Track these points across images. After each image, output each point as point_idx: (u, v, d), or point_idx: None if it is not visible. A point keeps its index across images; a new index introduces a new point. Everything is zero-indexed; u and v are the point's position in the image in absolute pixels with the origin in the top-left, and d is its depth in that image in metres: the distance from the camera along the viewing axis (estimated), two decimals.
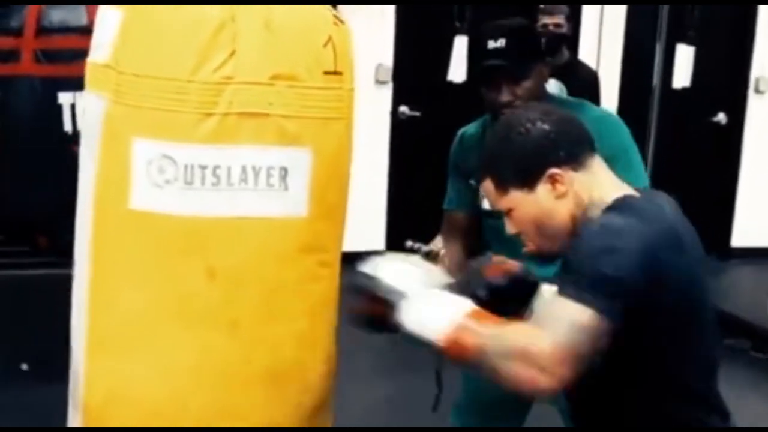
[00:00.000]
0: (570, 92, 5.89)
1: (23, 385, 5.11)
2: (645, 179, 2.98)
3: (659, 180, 8.19)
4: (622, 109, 7.90)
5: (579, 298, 1.79)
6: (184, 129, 2.01)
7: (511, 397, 3.07)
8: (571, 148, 1.98)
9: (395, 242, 7.46)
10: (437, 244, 3.12)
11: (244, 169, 2.03)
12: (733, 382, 5.61)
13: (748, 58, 8.03)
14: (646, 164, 7.67)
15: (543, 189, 1.97)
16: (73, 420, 2.21)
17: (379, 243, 7.45)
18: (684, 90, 7.76)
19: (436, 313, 1.86)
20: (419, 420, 4.68)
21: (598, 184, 1.99)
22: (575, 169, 1.97)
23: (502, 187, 2.00)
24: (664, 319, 1.90)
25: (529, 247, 2.03)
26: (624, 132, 3.04)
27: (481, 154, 2.09)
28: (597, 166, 2.01)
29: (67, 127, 4.87)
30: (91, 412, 2.15)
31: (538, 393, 1.80)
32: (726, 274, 7.89)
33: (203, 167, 2.01)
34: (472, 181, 3.00)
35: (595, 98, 5.97)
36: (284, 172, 2.06)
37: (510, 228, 2.03)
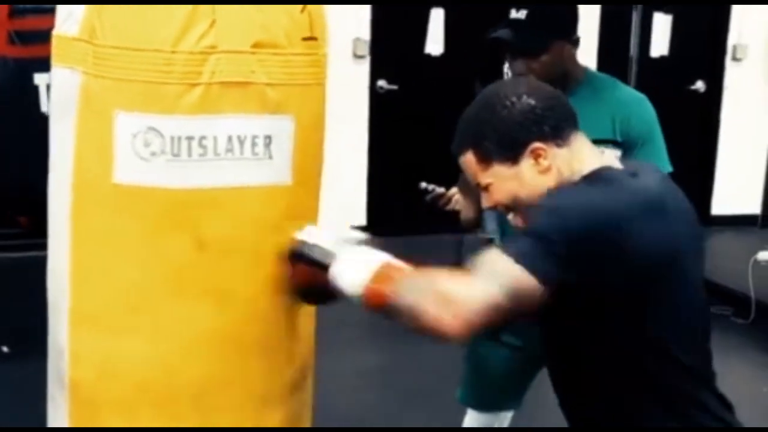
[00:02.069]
0: None
1: (4, 367, 5.11)
2: (668, 166, 2.93)
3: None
4: None
5: (513, 254, 1.82)
6: (169, 100, 1.99)
7: (513, 371, 3.10)
8: (556, 123, 1.99)
9: (376, 216, 7.48)
10: (453, 191, 3.06)
11: (230, 139, 2.01)
12: (715, 348, 5.64)
13: (726, 25, 8.05)
14: None
15: (526, 163, 1.98)
16: (59, 398, 2.19)
17: (360, 217, 7.46)
18: (662, 58, 7.79)
19: (357, 267, 1.95)
20: (407, 389, 4.72)
21: (578, 160, 2.00)
22: (559, 145, 1.98)
23: (486, 160, 2.01)
24: (634, 285, 1.89)
25: (517, 221, 2.03)
26: (653, 116, 2.98)
27: (458, 127, 2.08)
28: (580, 142, 2.03)
29: (44, 107, 4.85)
30: (81, 390, 2.13)
31: (441, 335, 1.80)
32: (706, 241, 7.93)
33: (190, 138, 1.99)
34: None
35: None
36: (268, 140, 2.05)
37: (486, 201, 2.05)
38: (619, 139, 2.84)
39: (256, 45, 2.01)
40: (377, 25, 7.30)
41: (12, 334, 5.30)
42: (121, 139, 2.00)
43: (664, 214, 1.94)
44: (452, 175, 2.76)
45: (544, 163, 1.97)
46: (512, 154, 1.98)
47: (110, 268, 2.06)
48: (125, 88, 2.00)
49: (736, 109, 8.09)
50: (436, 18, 7.30)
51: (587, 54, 7.33)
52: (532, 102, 1.99)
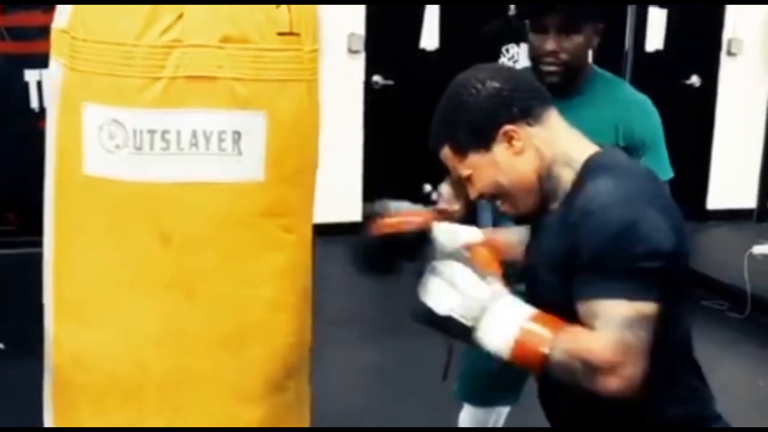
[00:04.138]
0: None
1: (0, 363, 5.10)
2: (669, 172, 2.88)
3: None
4: None
5: (616, 294, 1.76)
6: (131, 93, 1.99)
7: (509, 366, 3.10)
8: (524, 103, 1.95)
9: None
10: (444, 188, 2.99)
11: (194, 134, 2.00)
12: (710, 342, 5.64)
13: (721, 20, 8.03)
14: None
15: (499, 148, 1.94)
16: (47, 381, 2.24)
17: (356, 213, 7.44)
18: (657, 53, 7.78)
19: (499, 328, 1.83)
20: (407, 386, 4.71)
21: (559, 139, 1.96)
22: (530, 124, 1.94)
23: (461, 152, 1.97)
24: (680, 280, 1.89)
25: (505, 208, 2.00)
26: (656, 120, 2.90)
27: (432, 123, 2.04)
28: (554, 119, 1.98)
29: (34, 104, 4.85)
30: (59, 375, 2.18)
31: (613, 395, 1.76)
32: (702, 235, 7.92)
33: (152, 132, 1.99)
34: None
35: None
36: (237, 136, 2.03)
37: (472, 192, 2.01)
38: (621, 143, 2.74)
39: (224, 39, 2.00)
40: (372, 20, 7.28)
41: (8, 331, 5.29)
42: (89, 131, 2.01)
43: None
44: (447, 170, 2.75)
45: (517, 144, 1.93)
46: (484, 141, 1.94)
47: (83, 260, 2.08)
48: (92, 80, 2.01)
49: (731, 103, 8.08)
50: (431, 13, 7.29)
51: None
52: (497, 85, 1.95)
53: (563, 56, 2.70)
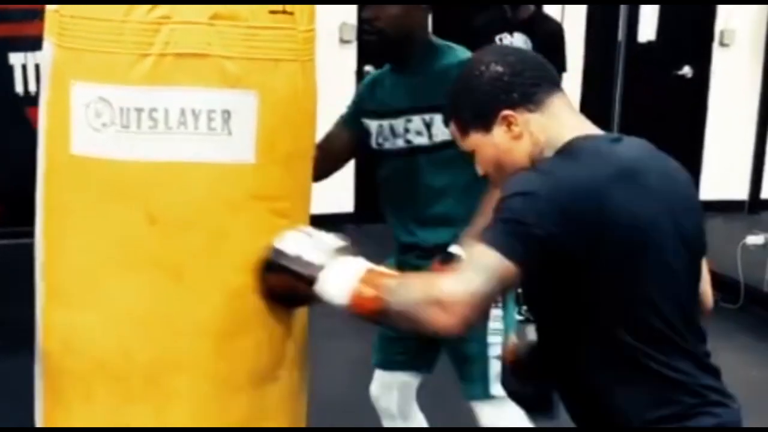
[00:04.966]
0: (534, 45, 5.86)
1: None
2: None
3: (625, 133, 8.18)
4: (587, 64, 7.89)
5: (486, 241, 1.84)
6: (119, 71, 1.95)
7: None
8: (526, 89, 1.98)
9: (363, 202, 7.44)
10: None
11: (182, 112, 1.96)
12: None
13: (713, 10, 8.02)
14: (612, 118, 7.68)
15: (499, 130, 1.99)
16: (38, 367, 2.21)
17: (348, 205, 7.41)
18: (649, 44, 7.76)
19: (342, 276, 1.98)
20: None
21: (556, 125, 1.99)
22: (531, 110, 1.98)
23: (463, 129, 2.04)
24: (612, 256, 1.87)
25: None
26: None
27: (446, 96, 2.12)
28: (558, 106, 2.01)
29: (19, 88, 4.80)
30: (50, 360, 2.15)
31: (441, 332, 1.83)
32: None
33: (139, 110, 1.95)
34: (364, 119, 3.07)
35: (559, 51, 5.94)
36: (227, 115, 1.99)
37: (478, 169, 2.07)
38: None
39: (214, 16, 1.96)
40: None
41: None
42: (76, 109, 1.98)
43: (636, 184, 1.91)
44: None
45: (515, 129, 1.98)
46: (484, 122, 1.99)
47: (71, 241, 2.05)
48: (80, 57, 1.98)
49: (723, 94, 8.07)
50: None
51: (575, 39, 7.31)
52: (500, 69, 1.99)
53: (378, 24, 2.89)
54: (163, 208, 1.99)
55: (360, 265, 2.00)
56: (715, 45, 8.07)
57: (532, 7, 6.05)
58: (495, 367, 2.89)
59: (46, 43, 2.06)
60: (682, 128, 8.05)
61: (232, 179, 2.03)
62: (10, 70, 4.84)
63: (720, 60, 8.09)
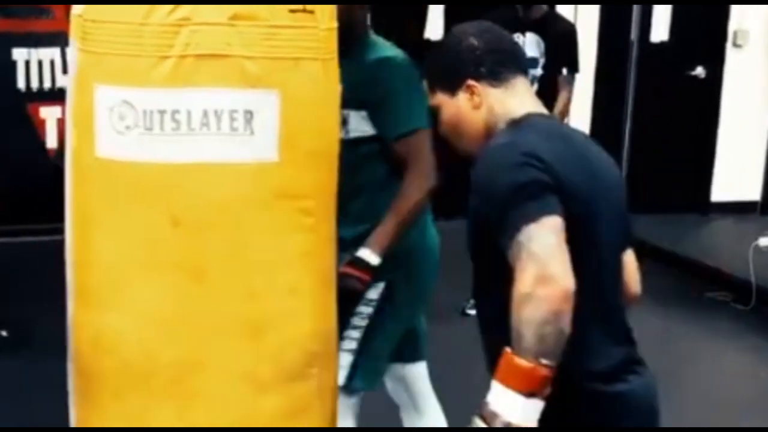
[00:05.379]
0: (547, 45, 5.84)
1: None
2: (417, 122, 2.94)
3: (638, 134, 8.17)
4: (600, 64, 7.88)
5: (518, 226, 1.93)
6: (140, 73, 1.96)
7: None
8: (493, 66, 2.19)
9: None
10: None
11: (205, 113, 1.97)
12: (715, 334, 5.60)
13: (726, 11, 8.00)
14: (624, 118, 7.66)
15: (462, 97, 2.20)
16: (69, 367, 2.22)
17: None
18: (662, 44, 7.74)
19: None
20: None
21: (513, 101, 2.19)
22: (493, 86, 2.19)
23: (432, 87, 2.25)
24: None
25: (453, 147, 2.25)
26: (396, 75, 2.99)
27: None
28: (518, 87, 2.21)
29: (21, 84, 4.79)
30: (80, 360, 2.17)
31: (562, 308, 1.87)
32: (706, 228, 7.90)
33: (162, 112, 1.96)
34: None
35: (572, 51, 5.92)
36: (249, 115, 2.00)
37: (440, 126, 2.25)
38: (369, 102, 2.91)
39: (234, 17, 1.97)
40: (377, 10, 7.25)
41: (8, 318, 5.29)
42: (100, 113, 2.00)
43: (584, 167, 2.10)
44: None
45: (476, 99, 2.18)
46: (450, 86, 2.19)
47: (98, 243, 2.06)
48: (103, 61, 2.00)
49: (736, 94, 8.04)
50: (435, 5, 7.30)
51: (588, 40, 7.30)
52: (476, 43, 2.20)
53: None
54: (187, 209, 2.00)
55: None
56: (729, 45, 8.04)
57: (544, 7, 6.02)
58: None
59: (73, 47, 2.07)
60: (694, 129, 8.03)
61: (255, 178, 2.03)
62: (13, 65, 4.83)
63: (733, 60, 8.06)
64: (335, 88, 2.15)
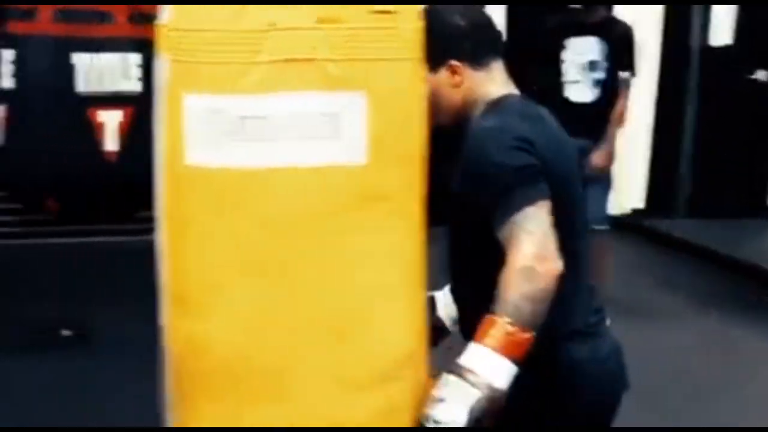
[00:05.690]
0: (608, 48, 5.80)
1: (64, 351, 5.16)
2: None
3: (699, 138, 8.08)
4: (661, 68, 7.80)
5: (517, 207, 2.08)
6: (229, 80, 1.99)
7: None
8: (475, 48, 2.31)
9: None
10: None
11: (292, 117, 1.98)
12: None
13: None
14: (685, 121, 7.59)
15: (443, 74, 2.30)
16: (166, 371, 2.25)
17: None
18: (724, 48, 7.66)
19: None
20: None
21: (491, 84, 2.33)
22: (474, 68, 2.31)
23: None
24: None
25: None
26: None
27: None
28: (497, 71, 2.35)
29: (80, 88, 4.84)
30: (175, 364, 2.19)
31: (552, 287, 2.04)
32: (762, 231, 7.83)
33: (251, 117, 1.98)
34: None
35: (631, 54, 5.88)
36: (336, 117, 2.00)
37: None
38: None
39: (319, 20, 1.98)
40: None
41: (68, 318, 5.35)
42: (189, 121, 2.03)
43: (560, 144, 2.28)
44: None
45: (457, 78, 2.30)
46: (433, 63, 2.22)
47: (189, 249, 2.10)
48: (191, 69, 2.02)
49: None
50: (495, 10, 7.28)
51: (649, 44, 7.23)
52: (462, 24, 2.30)
53: None
54: (276, 213, 2.02)
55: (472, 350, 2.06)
56: None
57: (604, 10, 5.99)
58: None
59: (159, 58, 2.10)
60: (755, 133, 7.94)
61: (343, 181, 2.04)
62: (72, 69, 4.88)
63: None
64: (420, 88, 2.15)
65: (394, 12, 2.05)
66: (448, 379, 2.03)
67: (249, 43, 1.97)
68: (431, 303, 2.52)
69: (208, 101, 2.00)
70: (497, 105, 2.27)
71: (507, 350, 2.00)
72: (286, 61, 1.97)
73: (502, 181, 2.11)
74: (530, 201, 2.07)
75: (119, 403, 4.35)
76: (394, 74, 2.07)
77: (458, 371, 2.03)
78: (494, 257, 2.10)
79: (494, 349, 2.00)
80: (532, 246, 2.02)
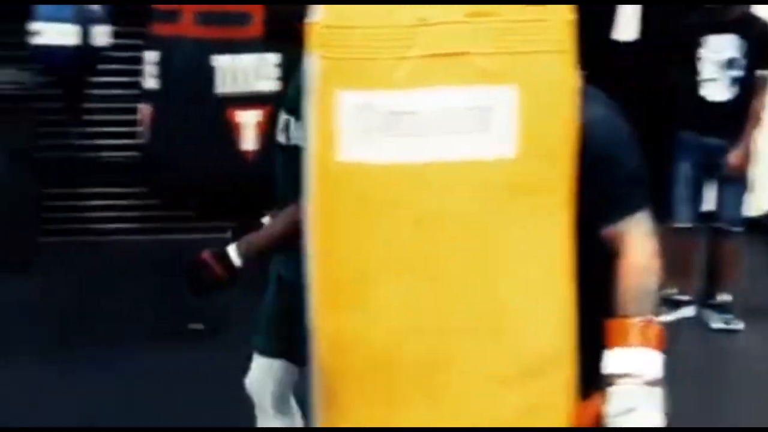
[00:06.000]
0: (747, 46, 5.67)
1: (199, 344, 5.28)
2: None
3: None
4: None
5: (644, 204, 2.23)
6: (380, 76, 2.00)
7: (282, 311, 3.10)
8: None
9: None
10: None
11: (443, 112, 1.98)
12: None
13: None
14: None
15: None
16: (313, 371, 2.26)
17: None
18: None
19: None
20: None
21: None
22: None
23: None
24: None
25: None
26: None
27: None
28: None
29: (220, 90, 4.93)
30: (322, 362, 2.20)
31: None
32: None
33: (403, 113, 1.99)
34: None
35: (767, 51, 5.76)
36: (486, 111, 2.00)
37: None
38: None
39: (468, 14, 1.98)
40: None
41: (204, 312, 5.46)
42: (341, 118, 2.04)
43: None
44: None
45: None
46: None
47: (339, 246, 2.11)
48: (343, 66, 2.04)
49: None
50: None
51: None
52: None
53: None
54: (428, 209, 2.02)
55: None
56: None
57: (742, 8, 5.87)
58: None
59: (310, 56, 2.12)
60: None
61: (492, 175, 2.03)
62: (213, 72, 4.98)
63: None
64: (571, 80, 2.12)
65: (546, 3, 2.03)
66: (620, 390, 2.10)
67: (400, 39, 1.98)
68: None
69: (359, 97, 2.01)
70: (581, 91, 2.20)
71: (652, 343, 2.12)
72: (437, 55, 1.98)
73: (638, 175, 2.25)
74: (648, 200, 2.24)
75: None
76: (546, 67, 2.05)
77: (623, 379, 2.11)
78: (596, 255, 2.18)
79: (639, 345, 2.11)
80: (651, 244, 2.19)
